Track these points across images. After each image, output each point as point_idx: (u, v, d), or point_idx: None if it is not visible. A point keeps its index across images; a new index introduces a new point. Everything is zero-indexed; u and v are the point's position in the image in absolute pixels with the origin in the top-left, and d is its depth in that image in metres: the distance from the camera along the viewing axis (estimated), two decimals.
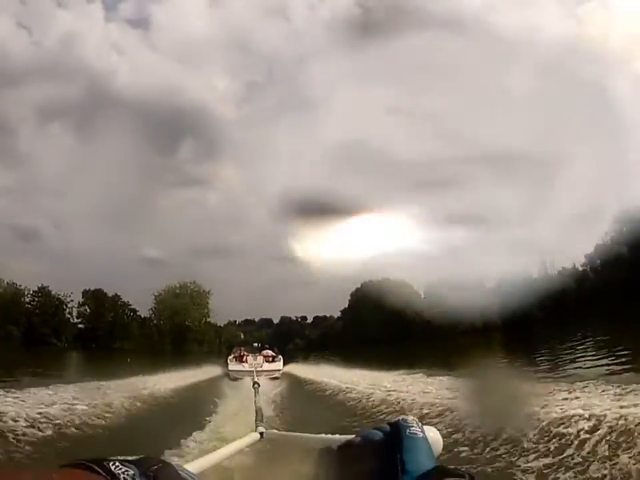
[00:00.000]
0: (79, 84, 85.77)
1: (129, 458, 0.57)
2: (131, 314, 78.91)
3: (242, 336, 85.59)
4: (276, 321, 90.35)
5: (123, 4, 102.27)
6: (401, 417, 0.76)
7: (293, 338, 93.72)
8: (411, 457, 0.66)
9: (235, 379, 20.25)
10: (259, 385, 4.93)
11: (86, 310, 73.68)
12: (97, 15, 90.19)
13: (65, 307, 70.84)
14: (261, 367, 24.43)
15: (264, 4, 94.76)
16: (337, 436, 0.86)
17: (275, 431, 1.88)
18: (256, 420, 2.44)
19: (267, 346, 32.29)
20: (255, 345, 35.54)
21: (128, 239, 79.70)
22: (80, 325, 74.02)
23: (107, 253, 78.57)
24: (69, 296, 70.88)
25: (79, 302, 73.25)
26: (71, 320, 74.23)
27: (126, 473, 0.52)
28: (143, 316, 79.04)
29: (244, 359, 26.87)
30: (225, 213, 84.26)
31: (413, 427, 0.72)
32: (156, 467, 0.58)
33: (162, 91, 78.92)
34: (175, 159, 79.78)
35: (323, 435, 0.99)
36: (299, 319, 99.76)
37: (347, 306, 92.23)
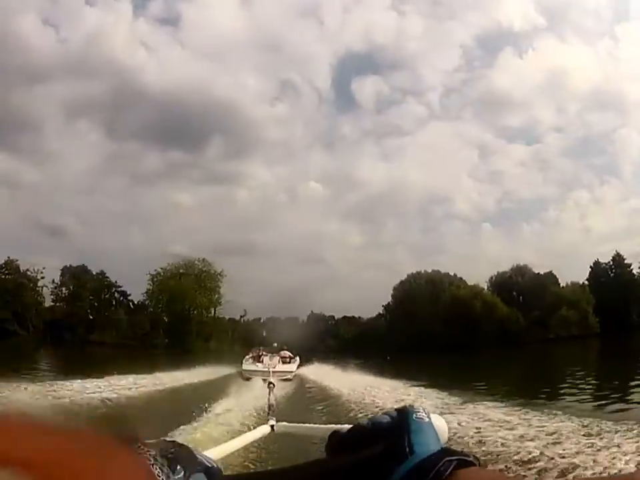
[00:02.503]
0: (106, 81, 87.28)
1: (148, 441, 0.58)
2: (121, 298, 63.00)
3: (264, 333, 76.58)
4: (303, 319, 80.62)
5: (152, 2, 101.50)
6: (408, 404, 0.78)
7: (323, 338, 78.25)
8: (418, 439, 0.67)
9: (248, 379, 20.03)
10: (274, 385, 4.14)
11: (61, 291, 57.86)
12: (126, 12, 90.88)
13: (34, 286, 54.79)
14: (275, 367, 23.36)
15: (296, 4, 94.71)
16: (346, 425, 0.85)
17: (286, 423, 1.77)
18: (268, 414, 2.26)
19: (285, 347, 31.22)
20: (275, 345, 33.63)
21: (154, 236, 79.34)
22: (56, 310, 58.43)
23: (132, 249, 77.40)
24: (41, 272, 54.49)
25: (54, 281, 57.40)
26: (44, 303, 58.84)
27: (148, 452, 0.54)
28: (137, 302, 63.37)
29: (260, 358, 25.89)
30: (253, 212, 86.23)
31: (419, 412, 0.73)
32: (174, 448, 0.60)
33: (191, 88, 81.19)
34: (203, 157, 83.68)
35: (333, 425, 1.00)
36: (329, 318, 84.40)
37: (390, 301, 76.30)
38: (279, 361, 26.47)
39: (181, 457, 0.60)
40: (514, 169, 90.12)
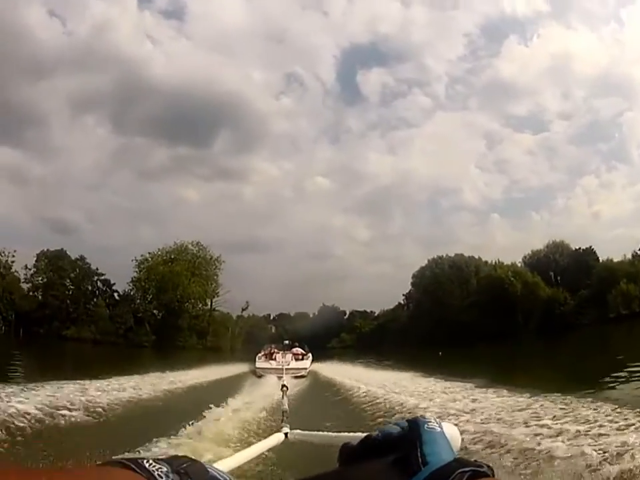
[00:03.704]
0: (113, 74, 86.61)
1: (160, 457, 0.60)
2: (105, 288, 55.81)
3: (273, 329, 74.94)
4: (314, 312, 79.62)
5: None
6: (419, 414, 0.79)
7: (337, 332, 70.79)
8: (430, 450, 0.66)
9: (261, 376, 19.86)
10: (287, 388, 4.61)
11: (36, 279, 49.73)
12: (131, 5, 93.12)
13: (5, 272, 47.58)
14: (289, 364, 23.45)
15: None
16: (359, 433, 0.87)
17: (299, 430, 1.82)
18: (282, 421, 2.36)
19: (296, 344, 31.10)
20: (286, 342, 33.43)
21: (160, 232, 79.30)
22: (30, 300, 51.28)
23: (139, 245, 76.80)
24: (12, 255, 47.57)
25: (27, 267, 50.26)
26: (18, 293, 51.53)
27: (160, 470, 0.54)
28: (123, 291, 55.92)
29: (273, 356, 25.99)
30: (260, 207, 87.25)
31: (431, 422, 0.73)
32: (185, 464, 0.60)
33: (197, 82, 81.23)
34: (210, 152, 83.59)
35: (346, 433, 1.02)
36: (341, 312, 77.36)
37: (411, 289, 68.02)
38: (291, 358, 26.02)
39: (192, 472, 0.59)
40: (521, 157, 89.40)
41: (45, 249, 50.71)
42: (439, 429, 0.71)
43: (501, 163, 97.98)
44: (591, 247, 57.60)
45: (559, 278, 57.07)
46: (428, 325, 52.64)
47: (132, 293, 51.40)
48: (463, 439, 0.76)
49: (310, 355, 28.13)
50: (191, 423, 6.72)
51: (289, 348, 29.45)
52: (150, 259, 51.82)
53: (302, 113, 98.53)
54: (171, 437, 6.14)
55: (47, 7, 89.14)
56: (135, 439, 6.16)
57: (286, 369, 20.42)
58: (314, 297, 79.66)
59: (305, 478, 0.68)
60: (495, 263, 55.14)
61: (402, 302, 68.12)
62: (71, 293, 49.37)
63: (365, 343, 59.51)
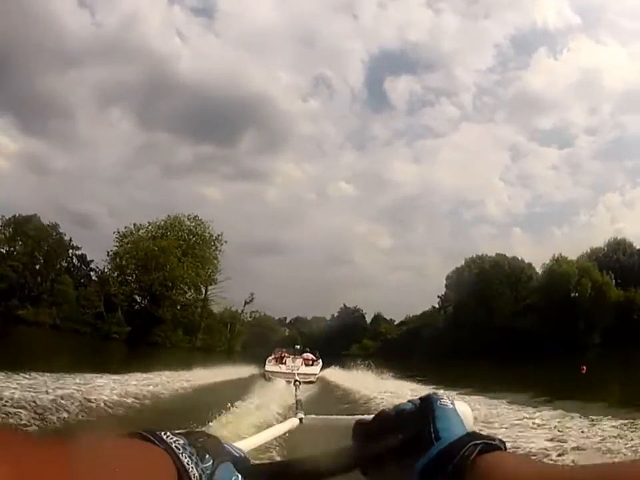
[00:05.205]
0: (140, 67, 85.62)
1: (177, 431, 0.60)
2: (81, 265, 47.04)
3: (286, 332, 71.12)
4: (333, 314, 74.99)
5: None
6: (432, 392, 0.78)
7: (358, 338, 61.85)
8: (443, 425, 0.67)
9: (270, 380, 20.17)
10: (300, 383, 5.13)
11: None
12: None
13: None
14: (298, 369, 22.71)
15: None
16: (373, 415, 0.86)
17: (314, 415, 1.80)
18: (296, 408, 2.31)
19: (307, 349, 30.80)
20: (297, 346, 33.00)
21: None
22: None
23: None
24: None
25: None
26: None
27: (177, 442, 0.56)
28: (100, 270, 46.91)
29: (283, 360, 25.75)
30: (282, 209, 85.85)
31: (443, 399, 0.73)
32: (202, 439, 0.61)
33: (224, 79, 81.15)
34: (234, 151, 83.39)
35: (361, 416, 1.00)
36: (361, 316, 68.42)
37: (445, 292, 58.00)
38: (301, 363, 25.87)
39: (209, 446, 0.61)
40: (545, 172, 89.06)
41: (17, 214, 42.59)
42: (451, 406, 0.71)
43: (524, 177, 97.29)
44: None
45: (619, 280, 47.32)
46: (471, 331, 42.12)
47: (107, 272, 42.35)
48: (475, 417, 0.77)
49: (320, 361, 27.61)
50: None
51: (299, 353, 29.14)
52: (134, 232, 43.09)
53: (328, 116, 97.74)
54: None
55: None
56: None
57: (296, 373, 19.83)
58: (332, 302, 75.66)
59: (318, 454, 0.69)
60: (558, 257, 44.51)
61: (436, 305, 58.21)
62: (37, 267, 40.87)
63: (391, 351, 49.49)
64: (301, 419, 1.71)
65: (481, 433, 0.65)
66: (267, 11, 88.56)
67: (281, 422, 1.77)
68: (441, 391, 0.77)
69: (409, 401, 0.76)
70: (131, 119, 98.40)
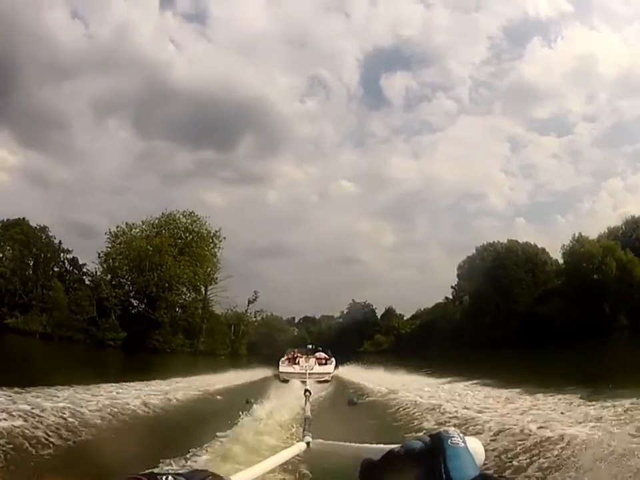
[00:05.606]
0: (135, 77, 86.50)
1: (180, 471, 0.59)
2: (72, 269, 45.40)
3: (295, 332, 70.66)
4: (342, 311, 72.32)
5: None
6: (442, 429, 0.76)
7: (369, 334, 59.63)
8: (454, 465, 0.65)
9: (285, 381, 20.28)
10: (310, 393, 4.57)
11: None
12: (153, 7, 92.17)
13: None
14: (312, 369, 23.23)
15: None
16: (381, 445, 0.87)
17: (321, 440, 1.84)
18: (303, 430, 2.38)
19: (319, 348, 30.85)
20: (309, 346, 32.65)
21: None
22: None
23: None
24: None
25: None
26: None
27: None
28: (91, 272, 44.57)
29: (296, 360, 25.82)
30: (285, 212, 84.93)
31: (454, 437, 0.71)
32: (206, 478, 0.61)
33: (220, 85, 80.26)
34: (234, 155, 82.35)
35: (368, 445, 1.04)
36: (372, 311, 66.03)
37: (458, 282, 55.36)
38: (315, 363, 25.70)
39: None
40: (546, 161, 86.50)
41: (5, 219, 40.63)
42: (462, 444, 0.69)
43: (525, 167, 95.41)
44: None
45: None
46: (492, 320, 39.37)
47: (99, 274, 40.15)
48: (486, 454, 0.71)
49: (333, 359, 27.49)
50: None
51: (312, 352, 29.10)
52: (126, 231, 40.92)
53: (326, 116, 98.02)
54: None
55: (69, 8, 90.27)
56: None
57: (309, 373, 20.34)
58: (339, 301, 75.31)
59: None
60: (578, 236, 41.62)
61: (450, 296, 55.62)
62: (26, 272, 38.81)
63: (406, 346, 47.08)
64: (308, 443, 1.68)
65: (493, 475, 0.61)
66: (259, 14, 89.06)
67: (289, 446, 1.70)
68: (452, 429, 0.74)
69: (418, 439, 0.72)
70: (129, 128, 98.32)
